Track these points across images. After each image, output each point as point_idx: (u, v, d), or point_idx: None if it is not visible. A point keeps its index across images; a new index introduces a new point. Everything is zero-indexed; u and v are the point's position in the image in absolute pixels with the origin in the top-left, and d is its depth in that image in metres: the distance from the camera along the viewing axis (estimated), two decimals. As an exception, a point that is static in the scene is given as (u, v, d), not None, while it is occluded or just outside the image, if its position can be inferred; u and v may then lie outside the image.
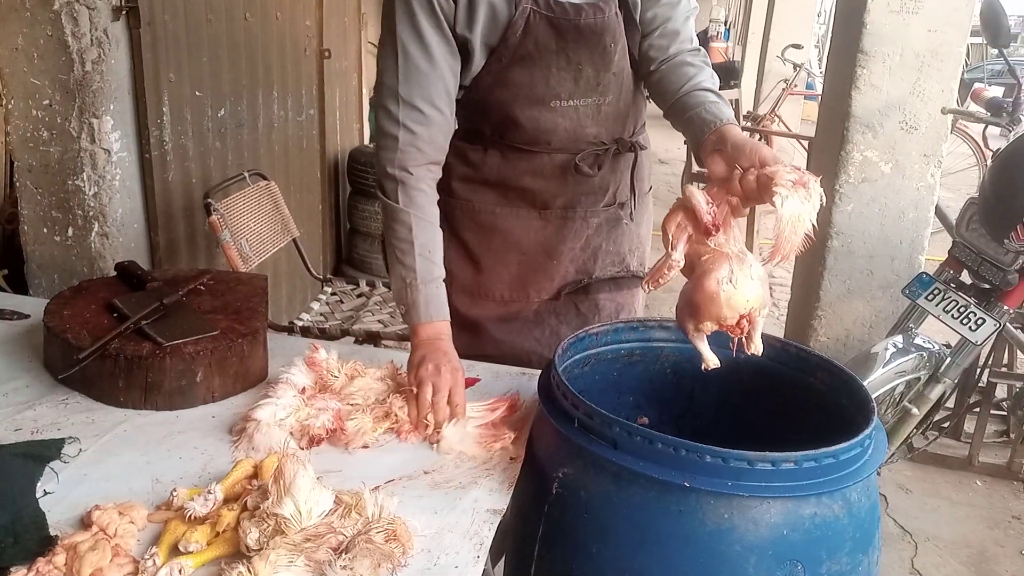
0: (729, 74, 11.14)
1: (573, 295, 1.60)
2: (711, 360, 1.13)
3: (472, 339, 1.59)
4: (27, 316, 1.60)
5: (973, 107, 2.50)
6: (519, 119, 1.45)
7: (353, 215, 3.74)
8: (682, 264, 1.13)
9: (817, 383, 1.29)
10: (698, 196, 1.10)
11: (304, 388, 1.26)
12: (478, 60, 1.40)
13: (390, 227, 1.41)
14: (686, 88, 1.37)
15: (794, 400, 1.31)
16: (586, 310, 1.60)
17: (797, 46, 6.30)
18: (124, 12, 2.38)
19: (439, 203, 1.62)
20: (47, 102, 2.37)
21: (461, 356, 1.51)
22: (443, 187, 1.62)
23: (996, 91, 2.74)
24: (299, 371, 1.30)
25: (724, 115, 1.26)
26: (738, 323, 1.08)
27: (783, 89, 6.42)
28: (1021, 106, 2.15)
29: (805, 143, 5.52)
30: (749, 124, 6.28)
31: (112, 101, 2.40)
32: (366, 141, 4.14)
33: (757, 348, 1.11)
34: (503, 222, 1.56)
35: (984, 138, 2.30)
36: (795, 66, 6.36)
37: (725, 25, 16.03)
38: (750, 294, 1.06)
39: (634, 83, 1.51)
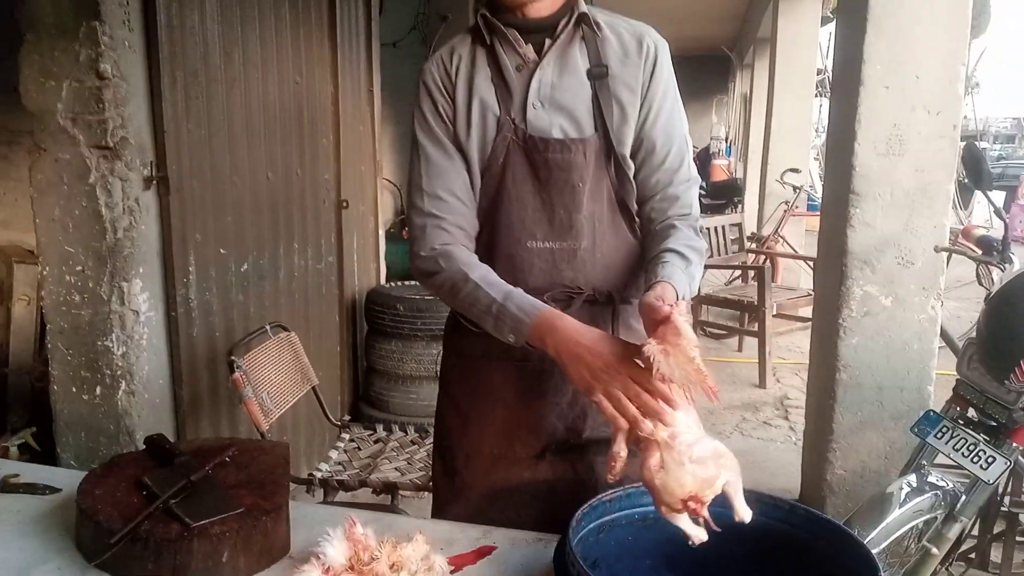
0: (732, 191, 11.48)
1: (566, 454, 1.57)
2: (693, 535, 1.16)
3: (470, 502, 1.59)
4: (59, 490, 1.65)
5: (964, 245, 2.60)
6: (497, 258, 1.49)
7: (370, 354, 3.83)
8: (623, 455, 1.21)
9: (825, 546, 1.31)
10: (605, 405, 1.20)
11: (329, 568, 1.28)
12: (475, 181, 1.49)
13: (450, 293, 1.43)
14: (656, 251, 1.45)
15: (804, 563, 1.33)
16: (583, 472, 1.56)
17: (795, 170, 6.51)
18: (155, 181, 2.54)
19: (440, 362, 1.70)
20: (80, 268, 2.50)
21: (464, 521, 1.49)
22: (443, 345, 1.70)
23: (991, 228, 2.84)
24: (334, 545, 1.29)
25: (663, 273, 1.36)
26: (684, 506, 1.11)
27: (784, 211, 6.59)
28: (1010, 245, 2.23)
29: (810, 264, 5.64)
30: (754, 245, 6.44)
31: (141, 264, 2.52)
32: (382, 281, 4.27)
33: (740, 515, 1.16)
34: (486, 373, 1.57)
35: (978, 275, 2.37)
36: (795, 188, 6.56)
37: (726, 142, 16.54)
38: (683, 479, 1.10)
39: (626, 237, 1.55)
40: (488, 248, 1.51)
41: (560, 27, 1.46)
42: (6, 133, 3.51)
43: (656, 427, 1.16)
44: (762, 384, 5.14)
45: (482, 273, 1.41)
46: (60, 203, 2.47)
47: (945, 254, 2.59)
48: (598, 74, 1.46)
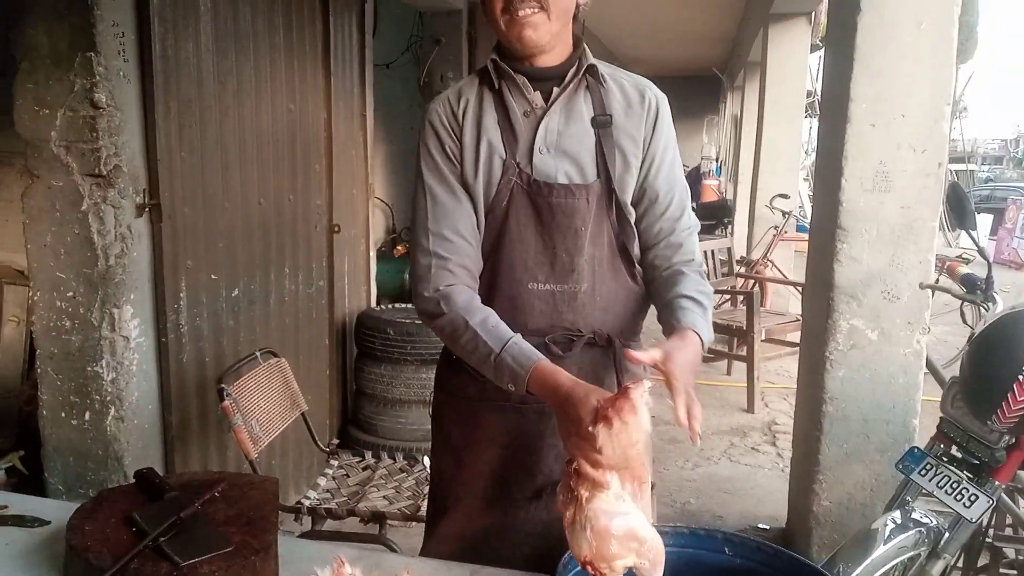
0: (723, 212, 11.52)
1: None
2: None
3: (464, 540, 1.59)
4: (48, 523, 1.65)
5: (948, 282, 2.63)
6: (498, 299, 1.52)
7: (359, 377, 3.83)
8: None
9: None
10: (586, 469, 1.16)
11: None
12: (480, 222, 1.52)
13: (451, 337, 1.45)
14: (669, 296, 1.49)
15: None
16: None
17: (784, 196, 6.56)
18: (147, 209, 2.55)
19: (432, 399, 1.71)
20: (71, 294, 2.50)
21: (457, 558, 1.49)
22: (435, 381, 1.71)
23: (974, 262, 2.88)
24: None
25: (685, 320, 1.39)
26: (583, 566, 1.12)
27: (774, 236, 6.64)
28: (993, 284, 2.27)
29: (799, 289, 5.67)
30: (743, 269, 6.48)
31: (133, 291, 2.53)
32: (373, 303, 4.28)
33: None
34: (481, 414, 1.59)
35: (962, 313, 2.40)
36: (784, 214, 6.61)
37: (716, 161, 16.63)
38: (580, 543, 1.11)
39: (625, 281, 1.58)
40: (489, 288, 1.53)
41: (569, 76, 1.50)
42: (-2, 154, 3.52)
43: (579, 485, 1.16)
44: (750, 409, 5.17)
45: (481, 319, 1.43)
46: (52, 230, 2.48)
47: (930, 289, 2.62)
48: (602, 122, 1.51)
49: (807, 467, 2.99)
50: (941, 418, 2.23)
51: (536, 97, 1.51)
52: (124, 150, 2.45)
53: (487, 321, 1.42)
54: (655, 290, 1.56)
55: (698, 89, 16.31)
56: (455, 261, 1.49)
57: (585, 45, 1.54)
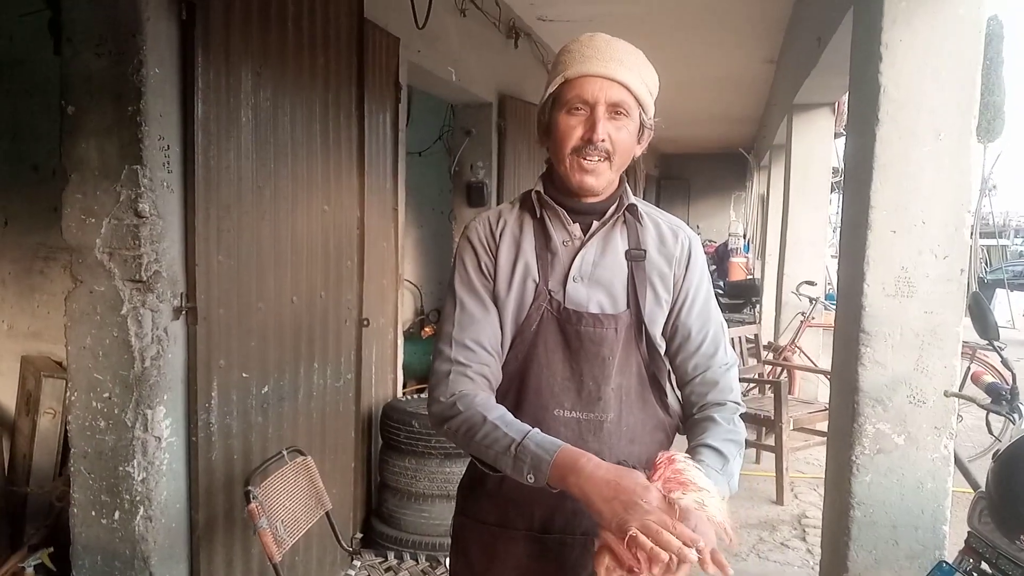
0: (750, 291, 11.52)
1: None
2: None
3: None
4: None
5: (974, 389, 2.62)
6: (522, 422, 1.51)
7: (384, 469, 3.84)
8: None
9: None
10: (643, 540, 1.20)
11: None
12: (505, 340, 1.56)
13: (466, 435, 1.46)
14: (693, 444, 1.52)
15: None
16: None
17: (811, 283, 6.56)
18: (184, 312, 2.63)
19: (453, 521, 1.73)
20: (107, 395, 2.57)
21: None
22: (457, 503, 1.73)
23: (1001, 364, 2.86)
24: None
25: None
26: None
27: (801, 321, 6.62)
28: (1019, 395, 2.26)
29: (828, 376, 5.61)
30: (770, 355, 6.44)
31: (166, 392, 2.59)
32: (399, 392, 4.32)
33: None
34: (504, 542, 1.59)
35: (987, 423, 2.38)
36: (811, 300, 6.60)
37: (744, 238, 16.65)
38: None
39: (654, 411, 1.60)
40: (514, 412, 1.54)
41: (609, 213, 1.57)
42: (44, 249, 3.66)
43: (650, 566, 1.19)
44: (779, 500, 5.07)
45: (499, 414, 1.45)
46: (92, 332, 2.56)
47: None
48: (636, 256, 1.57)
49: (836, 572, 2.93)
50: (969, 532, 2.20)
51: (575, 229, 1.58)
52: (164, 256, 2.55)
53: (505, 416, 1.45)
54: (687, 431, 1.59)
55: (725, 165, 16.47)
56: (474, 369, 1.52)
57: (627, 185, 1.61)
